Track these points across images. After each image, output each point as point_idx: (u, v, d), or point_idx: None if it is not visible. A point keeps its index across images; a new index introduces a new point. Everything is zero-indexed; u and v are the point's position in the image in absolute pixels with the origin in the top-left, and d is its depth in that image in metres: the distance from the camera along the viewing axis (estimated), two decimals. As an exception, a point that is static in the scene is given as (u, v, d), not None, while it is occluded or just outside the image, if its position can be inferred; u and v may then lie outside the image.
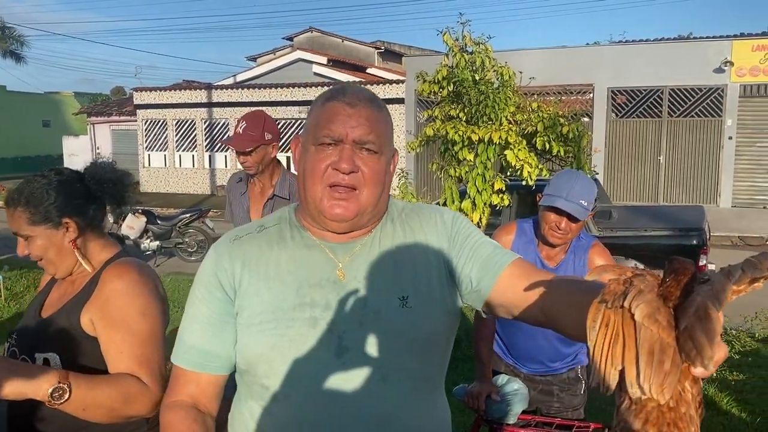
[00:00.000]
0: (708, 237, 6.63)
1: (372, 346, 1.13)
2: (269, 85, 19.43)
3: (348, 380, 1.12)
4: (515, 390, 2.31)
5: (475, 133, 6.29)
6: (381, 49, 25.08)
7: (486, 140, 6.26)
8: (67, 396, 1.33)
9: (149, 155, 21.05)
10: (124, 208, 1.72)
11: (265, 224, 1.26)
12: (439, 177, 6.96)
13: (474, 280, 1.18)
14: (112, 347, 1.47)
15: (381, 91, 16.53)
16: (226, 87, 20.38)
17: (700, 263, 6.19)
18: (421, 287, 1.18)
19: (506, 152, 6.33)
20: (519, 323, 2.21)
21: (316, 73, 20.41)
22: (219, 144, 19.70)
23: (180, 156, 20.67)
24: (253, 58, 25.36)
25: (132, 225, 9.17)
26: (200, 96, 20.02)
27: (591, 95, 14.75)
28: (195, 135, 20.32)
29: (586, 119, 13.89)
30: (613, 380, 0.61)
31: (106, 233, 1.69)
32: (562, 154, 6.68)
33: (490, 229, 1.98)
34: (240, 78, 21.75)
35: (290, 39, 25.60)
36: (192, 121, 20.25)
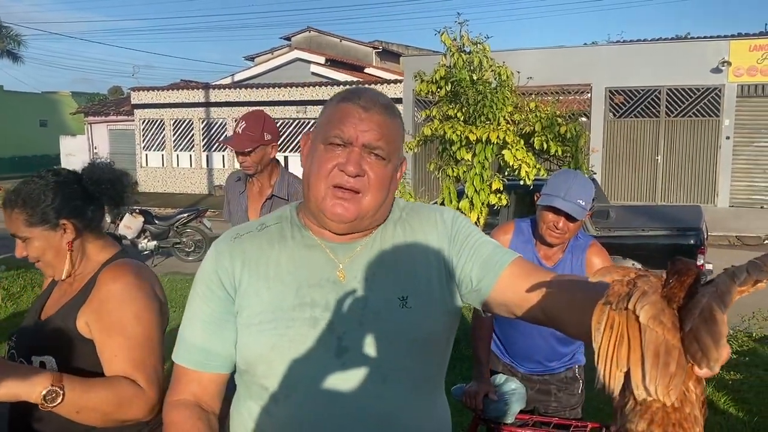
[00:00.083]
0: (705, 237, 6.66)
1: (372, 347, 1.13)
2: (267, 84, 19.43)
3: (348, 380, 1.12)
4: (513, 389, 2.31)
5: (472, 132, 6.28)
6: (379, 48, 25.07)
7: (484, 140, 6.25)
8: (60, 399, 1.32)
9: (146, 155, 21.03)
10: (122, 208, 1.71)
11: (266, 223, 1.25)
12: (437, 177, 6.95)
13: (474, 280, 1.17)
14: (108, 350, 1.46)
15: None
16: (224, 87, 20.37)
17: (698, 263, 6.20)
18: (420, 287, 1.18)
19: (504, 152, 6.32)
20: (516, 323, 2.22)
21: (313, 73, 20.40)
22: (216, 144, 19.69)
23: (177, 156, 20.65)
24: (251, 58, 25.34)
25: (129, 225, 9.16)
26: (198, 96, 20.01)
27: (589, 95, 14.77)
28: (192, 135, 20.31)
29: (583, 119, 13.90)
30: (618, 382, 0.61)
31: (106, 233, 1.68)
32: (560, 153, 6.69)
33: (488, 229, 1.98)
34: (238, 78, 21.73)
35: (288, 39, 25.59)
36: (189, 120, 20.23)
